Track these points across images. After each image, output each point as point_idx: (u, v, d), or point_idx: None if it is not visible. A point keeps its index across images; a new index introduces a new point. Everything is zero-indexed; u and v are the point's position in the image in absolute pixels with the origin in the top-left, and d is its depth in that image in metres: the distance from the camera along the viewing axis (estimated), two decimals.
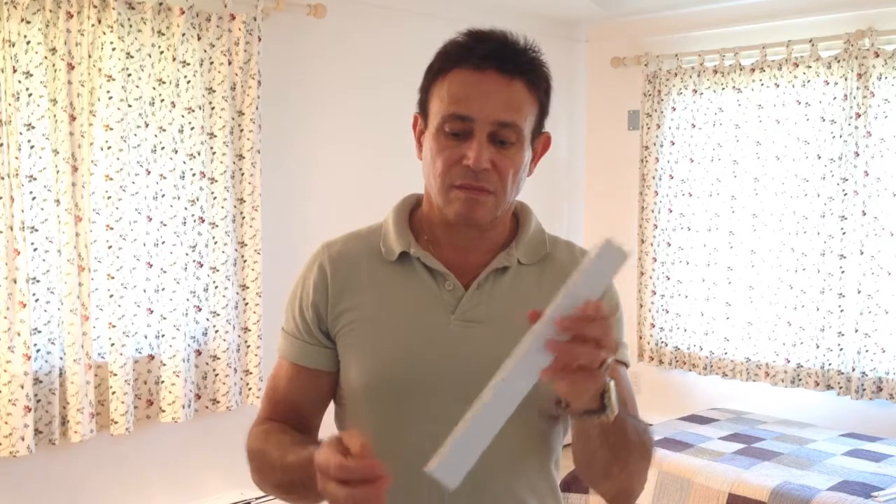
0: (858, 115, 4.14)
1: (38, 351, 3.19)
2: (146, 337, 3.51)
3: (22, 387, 3.08)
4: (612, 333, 0.96)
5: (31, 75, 3.11)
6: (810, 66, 4.31)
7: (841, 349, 4.23)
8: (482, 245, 1.26)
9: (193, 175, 3.55)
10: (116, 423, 3.34)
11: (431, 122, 1.21)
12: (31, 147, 3.14)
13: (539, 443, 1.27)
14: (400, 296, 1.24)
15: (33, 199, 3.15)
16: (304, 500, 1.19)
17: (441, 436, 1.20)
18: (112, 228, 3.33)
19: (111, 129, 3.29)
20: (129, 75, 3.33)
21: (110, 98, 3.28)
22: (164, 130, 3.46)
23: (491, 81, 1.17)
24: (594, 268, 0.93)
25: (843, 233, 4.21)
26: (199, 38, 3.51)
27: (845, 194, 4.20)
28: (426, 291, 1.23)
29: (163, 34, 3.44)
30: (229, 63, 3.60)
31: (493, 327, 1.22)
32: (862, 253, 4.16)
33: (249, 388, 3.74)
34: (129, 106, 3.34)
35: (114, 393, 3.34)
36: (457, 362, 1.21)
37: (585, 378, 0.97)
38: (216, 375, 3.66)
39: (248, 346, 3.75)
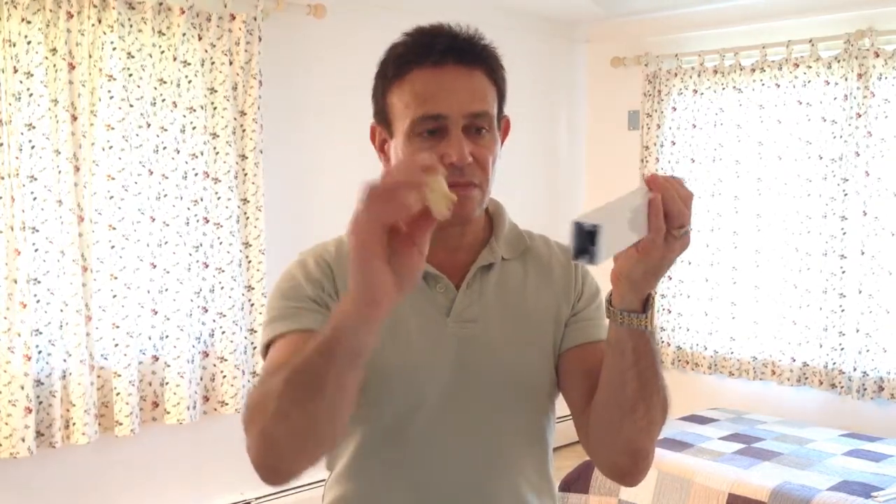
0: (859, 115, 4.14)
1: (39, 352, 3.19)
2: (150, 338, 3.50)
3: (22, 388, 3.08)
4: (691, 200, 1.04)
5: (32, 75, 3.11)
6: (810, 67, 4.31)
7: (842, 349, 4.24)
8: (464, 244, 1.26)
9: (196, 175, 3.54)
10: (121, 424, 3.33)
11: (398, 129, 1.18)
12: (32, 147, 3.14)
13: (538, 442, 1.28)
14: None
15: (34, 199, 3.15)
16: (312, 391, 0.97)
17: (445, 437, 1.20)
18: (115, 228, 3.33)
19: (113, 128, 3.29)
20: (130, 75, 3.34)
21: (111, 98, 3.28)
22: (166, 130, 3.46)
23: (454, 75, 1.17)
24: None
25: (844, 233, 4.21)
26: (199, 38, 3.51)
27: (846, 194, 4.20)
28: (420, 294, 1.22)
29: (163, 34, 3.44)
30: (230, 63, 3.60)
31: (488, 325, 1.23)
32: (863, 253, 4.17)
33: None
34: (131, 106, 3.34)
35: (118, 394, 3.34)
36: (459, 366, 1.21)
37: (672, 240, 1.04)
38: (224, 377, 3.65)
39: (255, 348, 3.74)
